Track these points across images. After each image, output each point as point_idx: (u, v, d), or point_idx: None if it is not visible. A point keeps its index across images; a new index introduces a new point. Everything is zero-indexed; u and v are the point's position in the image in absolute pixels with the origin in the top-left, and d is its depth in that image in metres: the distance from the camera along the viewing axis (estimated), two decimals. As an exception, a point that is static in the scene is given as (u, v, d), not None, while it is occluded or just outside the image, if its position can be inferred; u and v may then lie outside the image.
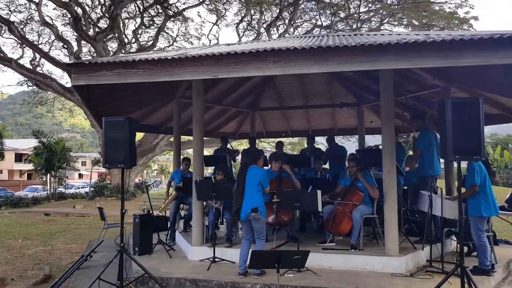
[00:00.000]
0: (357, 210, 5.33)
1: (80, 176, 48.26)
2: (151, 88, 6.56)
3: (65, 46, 22.08)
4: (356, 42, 3.75)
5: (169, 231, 6.89)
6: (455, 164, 6.73)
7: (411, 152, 7.49)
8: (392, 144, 5.12)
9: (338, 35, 5.62)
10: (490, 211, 4.86)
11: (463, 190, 5.65)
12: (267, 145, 28.46)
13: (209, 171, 17.81)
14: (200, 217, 5.65)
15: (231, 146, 8.97)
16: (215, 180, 5.81)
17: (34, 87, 22.40)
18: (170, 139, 21.99)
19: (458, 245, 5.91)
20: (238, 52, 3.83)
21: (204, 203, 5.67)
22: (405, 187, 6.83)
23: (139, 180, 32.71)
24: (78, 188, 31.06)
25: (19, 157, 42.53)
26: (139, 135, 22.86)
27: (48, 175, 26.34)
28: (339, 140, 18.81)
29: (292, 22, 21.99)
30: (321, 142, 19.63)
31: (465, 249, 5.80)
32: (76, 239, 9.83)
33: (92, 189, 24.67)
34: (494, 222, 9.79)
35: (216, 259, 5.25)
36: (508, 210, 6.32)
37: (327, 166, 8.44)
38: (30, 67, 22.20)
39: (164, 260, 5.52)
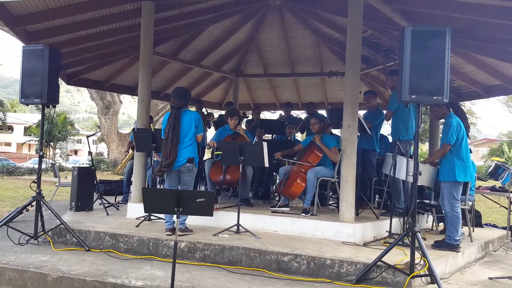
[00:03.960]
0: (313, 170, 4.66)
1: (90, 153, 48.48)
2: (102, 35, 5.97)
3: None
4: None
5: (123, 193, 6.37)
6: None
7: None
8: (355, 94, 4.42)
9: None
10: (466, 176, 4.12)
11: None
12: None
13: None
14: (141, 171, 5.09)
15: (206, 110, 8.43)
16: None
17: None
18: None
19: (434, 222, 5.23)
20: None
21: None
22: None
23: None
24: (83, 163, 30.94)
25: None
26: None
27: (49, 147, 26.24)
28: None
29: None
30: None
31: (441, 225, 5.10)
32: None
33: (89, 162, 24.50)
34: (482, 206, 9.01)
35: (152, 218, 4.72)
36: (499, 190, 5.53)
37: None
38: None
39: (97, 217, 4.98)
